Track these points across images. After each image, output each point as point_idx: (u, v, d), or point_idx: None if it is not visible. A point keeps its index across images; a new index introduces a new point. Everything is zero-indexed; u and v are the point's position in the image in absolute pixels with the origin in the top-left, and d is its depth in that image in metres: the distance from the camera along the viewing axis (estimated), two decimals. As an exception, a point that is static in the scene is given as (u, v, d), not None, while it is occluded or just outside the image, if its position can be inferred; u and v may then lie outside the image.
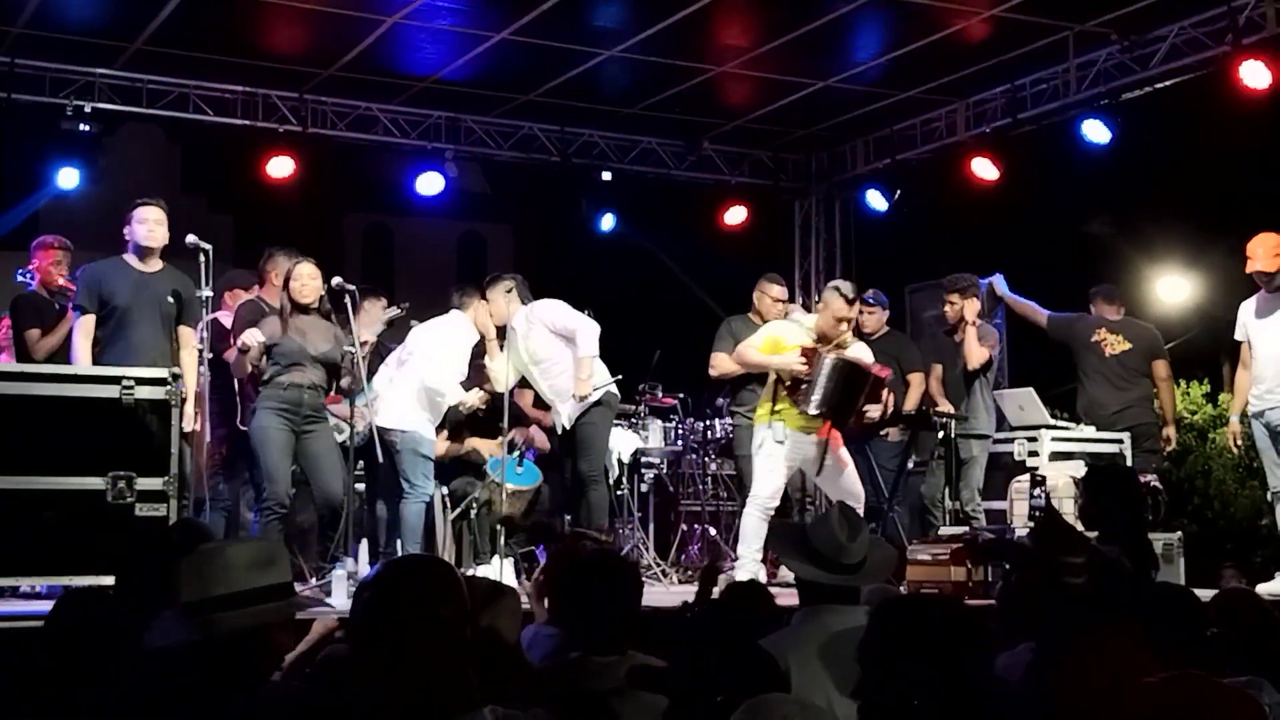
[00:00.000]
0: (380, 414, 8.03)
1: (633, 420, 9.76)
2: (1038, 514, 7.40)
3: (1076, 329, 9.25)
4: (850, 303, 7.58)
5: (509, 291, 8.31)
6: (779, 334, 7.72)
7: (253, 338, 7.09)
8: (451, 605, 2.69)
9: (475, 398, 8.34)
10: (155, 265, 7.15)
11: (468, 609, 2.70)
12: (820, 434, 7.51)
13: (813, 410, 7.35)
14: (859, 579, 3.89)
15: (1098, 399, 9.11)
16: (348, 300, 7.34)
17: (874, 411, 7.52)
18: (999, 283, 9.59)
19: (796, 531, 4.03)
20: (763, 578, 7.29)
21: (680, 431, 10.02)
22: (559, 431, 8.41)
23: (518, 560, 8.38)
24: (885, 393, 7.57)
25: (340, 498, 7.18)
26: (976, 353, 8.79)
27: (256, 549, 3.18)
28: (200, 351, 7.19)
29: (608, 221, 11.63)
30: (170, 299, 7.09)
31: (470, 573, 8.17)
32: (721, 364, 8.65)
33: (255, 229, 10.74)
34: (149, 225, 7.10)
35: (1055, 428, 8.96)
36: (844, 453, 7.65)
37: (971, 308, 8.82)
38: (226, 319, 8.11)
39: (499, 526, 8.14)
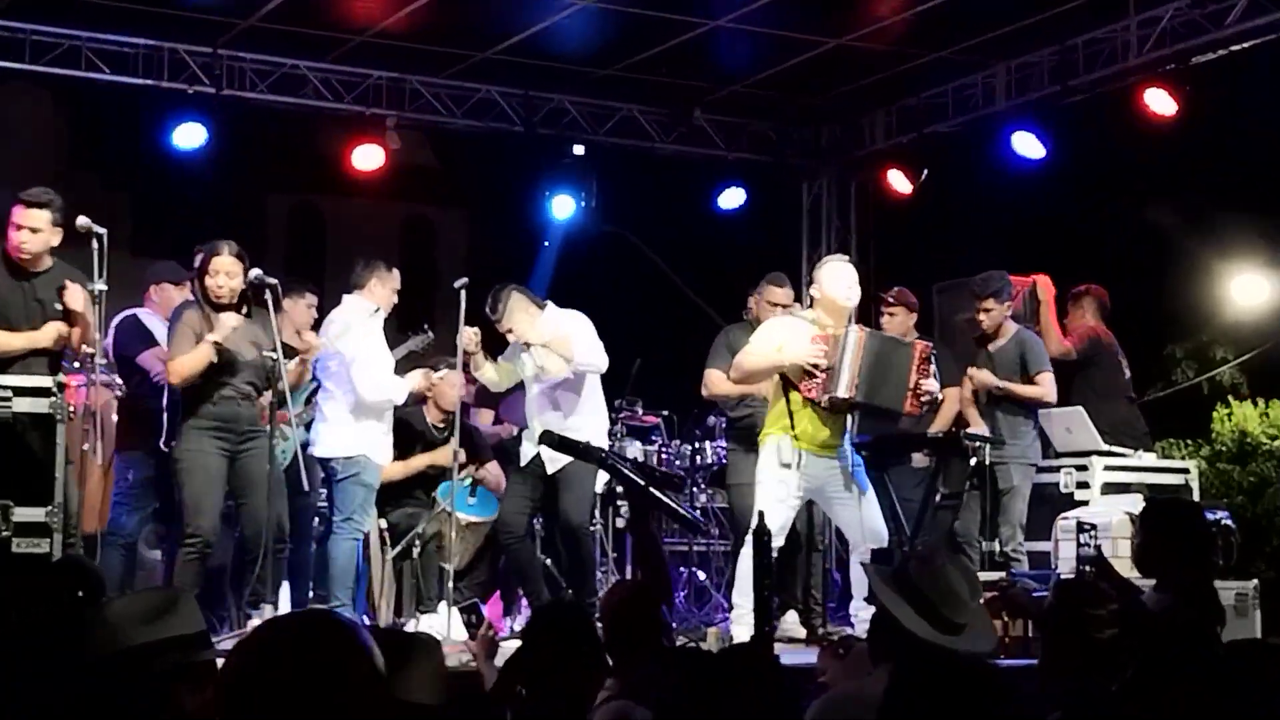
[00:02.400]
0: (316, 443, 8.06)
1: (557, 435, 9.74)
2: (1086, 566, 7.42)
3: (1103, 343, 9.52)
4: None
5: (524, 309, 8.23)
6: (782, 333, 7.73)
7: (225, 327, 7.11)
8: (351, 676, 2.38)
9: (420, 378, 8.36)
10: (43, 264, 7.12)
11: (376, 679, 2.47)
12: (833, 451, 7.50)
13: (842, 392, 7.34)
14: (964, 643, 3.85)
15: (1128, 416, 9.41)
16: (268, 297, 7.36)
17: (930, 384, 7.55)
18: (1044, 286, 9.66)
19: (900, 572, 3.99)
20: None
21: (664, 456, 10.03)
22: (529, 464, 8.37)
23: (470, 613, 8.39)
24: (931, 368, 7.62)
25: (273, 529, 7.23)
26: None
27: (150, 598, 3.19)
28: (92, 357, 7.18)
29: (574, 205, 11.61)
30: (58, 305, 7.09)
31: (412, 625, 8.21)
32: (717, 384, 8.65)
33: (157, 210, 10.77)
34: (23, 234, 7.00)
35: (1109, 454, 9.01)
36: (863, 478, 7.66)
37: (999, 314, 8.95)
38: (149, 318, 8.12)
39: (447, 567, 8.14)
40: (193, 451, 7.16)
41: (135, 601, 3.17)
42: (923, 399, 7.48)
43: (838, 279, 7.70)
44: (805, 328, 7.63)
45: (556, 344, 8.13)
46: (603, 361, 8.27)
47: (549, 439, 7.22)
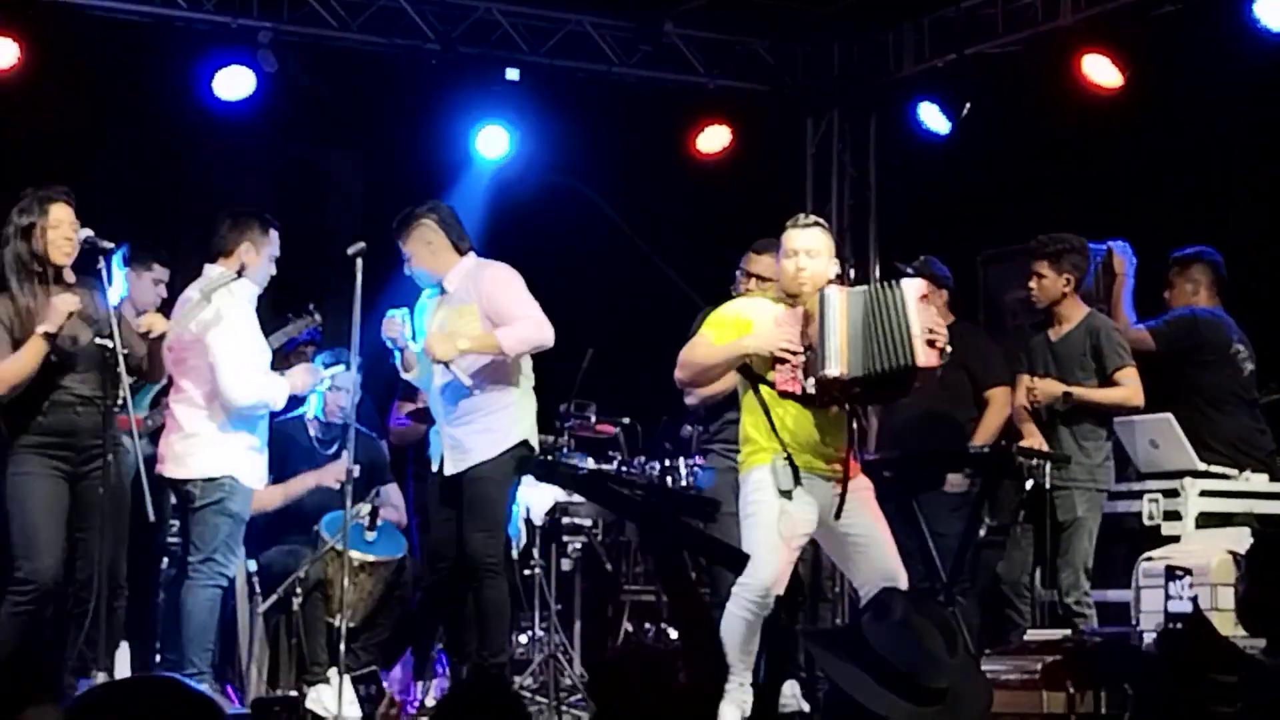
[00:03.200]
0: (167, 460, 8.04)
1: (548, 459, 9.76)
2: (1178, 624, 7.45)
3: (1203, 328, 9.38)
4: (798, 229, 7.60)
5: (430, 240, 8.39)
6: (745, 312, 7.71)
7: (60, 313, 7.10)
8: None
9: (303, 375, 8.42)
10: None
11: None
12: (837, 467, 7.49)
13: (833, 369, 7.29)
14: (950, 714, 3.87)
15: (1249, 427, 9.31)
16: (102, 265, 7.32)
17: (939, 321, 7.49)
18: (1122, 252, 9.68)
19: (849, 638, 3.99)
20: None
21: (624, 477, 10.03)
22: (435, 477, 8.41)
23: (368, 684, 8.39)
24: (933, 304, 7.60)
25: (104, 571, 7.23)
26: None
27: None
28: None
29: (505, 144, 11.58)
30: None
31: (309, 701, 8.19)
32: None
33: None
34: None
35: (1206, 475, 9.04)
36: (875, 507, 7.65)
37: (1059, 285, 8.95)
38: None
39: (336, 623, 8.13)
40: (22, 476, 7.17)
41: None
42: (939, 343, 7.41)
43: (791, 247, 7.62)
44: (772, 308, 7.61)
45: (476, 340, 8.23)
46: (547, 336, 8.32)
47: (534, 469, 7.27)
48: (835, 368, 7.29)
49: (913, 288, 7.43)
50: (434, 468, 8.45)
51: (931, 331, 7.33)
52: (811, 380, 7.35)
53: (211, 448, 8.09)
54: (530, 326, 8.32)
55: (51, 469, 7.21)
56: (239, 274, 8.12)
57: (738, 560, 6.31)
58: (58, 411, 7.23)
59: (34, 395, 7.21)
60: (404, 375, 8.55)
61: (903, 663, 3.83)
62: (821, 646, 4.04)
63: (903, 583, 7.55)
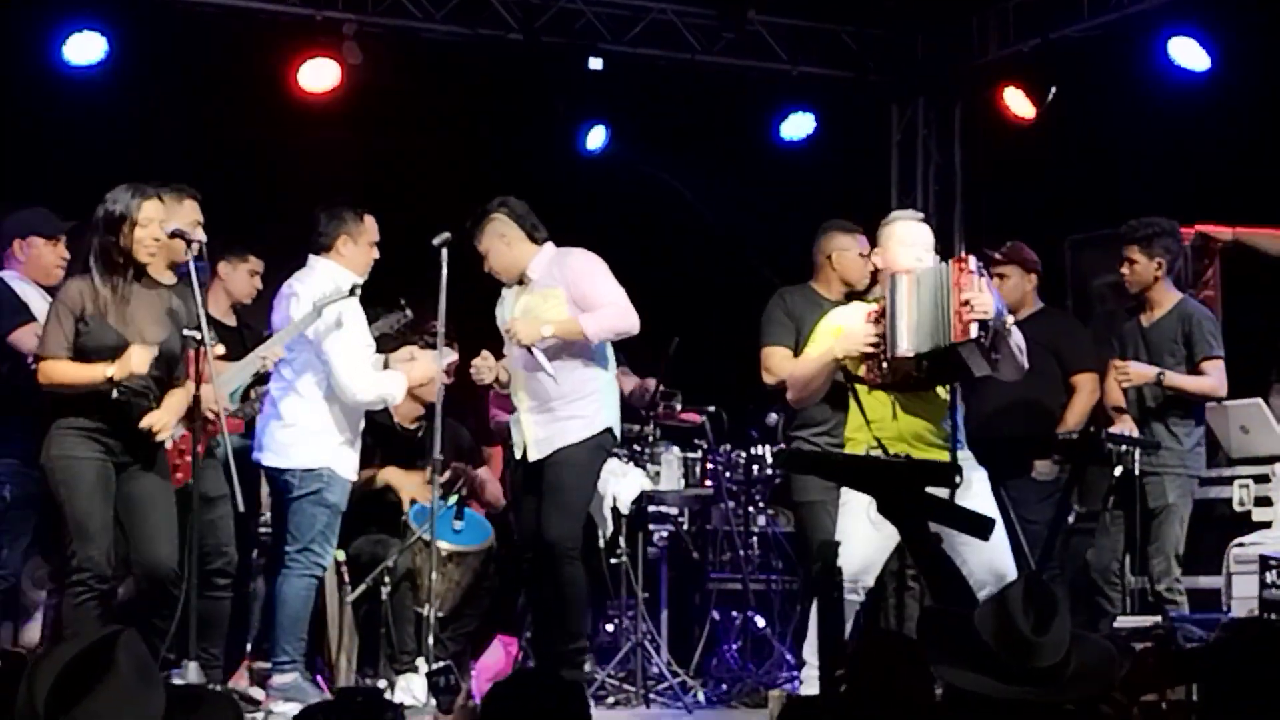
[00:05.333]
0: (266, 449, 8.09)
1: (636, 449, 9.76)
2: (1272, 615, 7.39)
3: None
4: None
5: (503, 233, 8.43)
6: (837, 319, 7.77)
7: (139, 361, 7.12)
8: None
9: (423, 366, 8.44)
10: None
11: None
12: (941, 456, 7.44)
13: (903, 347, 7.29)
14: (1055, 692, 3.85)
15: None
16: (190, 258, 7.34)
17: (978, 296, 7.31)
18: (1217, 233, 9.63)
19: (950, 621, 4.00)
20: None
21: (711, 466, 10.02)
22: (517, 464, 8.43)
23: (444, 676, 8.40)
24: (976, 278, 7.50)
25: (169, 568, 7.23)
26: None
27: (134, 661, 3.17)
28: None
29: (598, 136, 11.60)
30: None
31: (397, 689, 8.22)
32: (780, 364, 8.62)
33: (32, 143, 10.69)
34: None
35: (1300, 460, 8.98)
36: (988, 500, 7.58)
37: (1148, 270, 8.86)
38: (17, 283, 8.17)
39: (424, 612, 8.15)
40: (68, 460, 7.16)
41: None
42: (970, 319, 7.33)
43: (904, 244, 7.62)
44: (863, 307, 7.63)
45: (560, 325, 8.24)
46: (632, 323, 8.33)
47: (790, 460, 7.27)
48: (905, 346, 7.31)
49: (954, 266, 7.40)
50: (518, 455, 8.44)
51: (966, 305, 7.28)
52: (886, 363, 7.36)
53: (312, 439, 8.16)
54: (615, 313, 8.31)
55: (98, 453, 7.17)
56: (351, 291, 8.17)
57: (982, 526, 6.34)
58: (107, 399, 7.16)
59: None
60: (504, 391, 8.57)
61: (986, 634, 3.83)
62: (920, 623, 4.04)
63: (1009, 574, 7.51)
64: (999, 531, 7.55)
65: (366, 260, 8.41)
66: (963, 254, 7.61)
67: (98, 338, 7.15)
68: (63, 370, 7.17)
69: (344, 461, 8.22)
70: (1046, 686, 3.82)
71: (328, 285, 8.17)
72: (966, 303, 7.25)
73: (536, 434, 8.33)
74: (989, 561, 7.44)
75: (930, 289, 7.35)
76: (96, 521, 7.16)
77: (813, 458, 7.76)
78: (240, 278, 8.76)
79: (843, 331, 7.56)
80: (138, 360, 7.09)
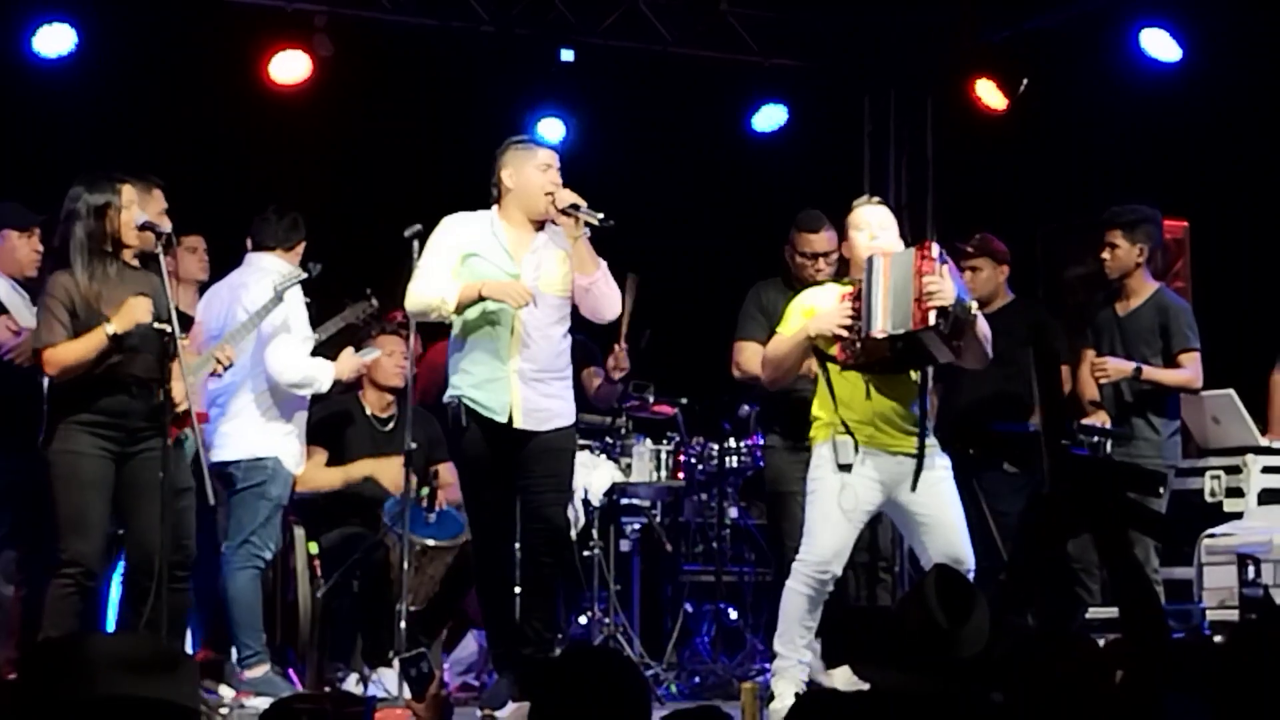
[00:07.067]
0: (217, 446, 8.11)
1: (607, 441, 9.75)
2: (1251, 614, 7.40)
3: None
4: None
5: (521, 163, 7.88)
6: (810, 299, 7.77)
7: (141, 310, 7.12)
8: None
9: (350, 361, 8.45)
10: None
11: None
12: (908, 442, 7.46)
13: (877, 328, 7.29)
14: (981, 683, 3.85)
15: None
16: (159, 249, 7.33)
17: (935, 282, 7.29)
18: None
19: (871, 618, 4.02)
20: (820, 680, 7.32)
21: (682, 459, 10.02)
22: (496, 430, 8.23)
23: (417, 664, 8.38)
24: (938, 265, 7.49)
25: (164, 555, 7.21)
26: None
27: (141, 644, 3.17)
28: None
29: (559, 128, 11.56)
30: None
31: (352, 682, 8.20)
32: (751, 359, 8.59)
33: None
34: None
35: (1269, 451, 8.98)
36: (950, 488, 7.63)
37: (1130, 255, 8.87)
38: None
39: (399, 607, 8.14)
40: (70, 455, 7.17)
41: (122, 644, 3.15)
42: (929, 306, 7.34)
43: (855, 228, 7.69)
44: (837, 289, 7.66)
45: (578, 249, 7.76)
46: (615, 303, 8.05)
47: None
48: (879, 327, 7.31)
49: (915, 253, 7.41)
50: (501, 419, 7.70)
51: (925, 293, 7.29)
52: (858, 342, 7.38)
53: (254, 429, 8.24)
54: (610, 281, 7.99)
55: (99, 448, 7.20)
56: (305, 269, 8.24)
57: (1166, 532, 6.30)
58: (111, 392, 7.21)
59: (88, 374, 7.20)
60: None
61: (904, 627, 3.85)
62: (840, 623, 4.06)
63: (968, 561, 7.55)
64: (959, 518, 7.62)
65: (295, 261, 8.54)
66: (926, 241, 7.64)
67: (91, 326, 7.18)
68: (65, 351, 7.16)
69: (288, 452, 8.28)
70: (970, 678, 3.83)
71: (275, 276, 8.25)
72: (927, 290, 7.27)
73: (530, 402, 7.69)
74: (946, 549, 7.48)
75: (903, 272, 7.37)
76: (91, 518, 7.19)
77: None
78: (192, 262, 8.87)
79: (815, 311, 7.59)
80: (139, 309, 7.12)
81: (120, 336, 7.11)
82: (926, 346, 7.41)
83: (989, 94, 11.58)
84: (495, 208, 7.84)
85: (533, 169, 7.80)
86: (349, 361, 8.55)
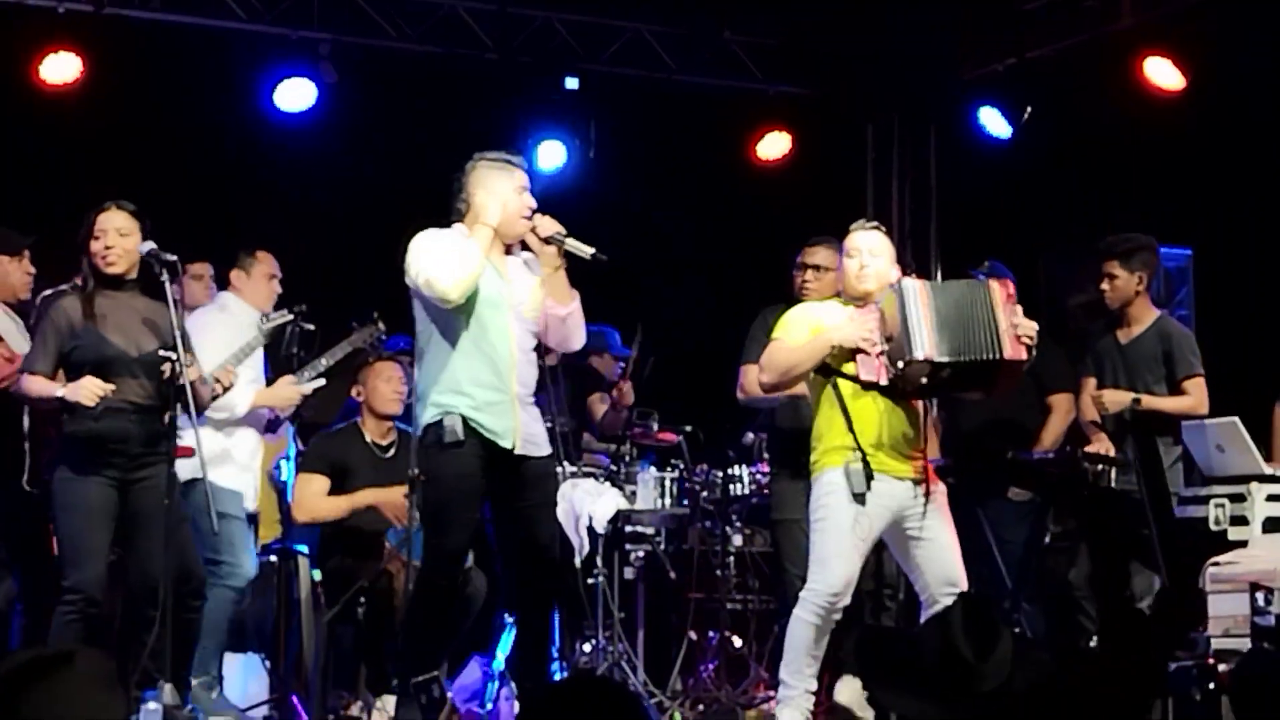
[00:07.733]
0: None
1: (612, 469, 9.75)
2: (1264, 644, 7.39)
3: None
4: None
5: (486, 183, 7.63)
6: (814, 313, 7.71)
7: (89, 391, 7.13)
8: None
9: (285, 391, 8.51)
10: None
11: None
12: (913, 467, 7.45)
13: (921, 352, 7.23)
14: (999, 714, 3.84)
15: None
16: (165, 276, 7.34)
17: (1026, 322, 7.42)
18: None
19: (894, 643, 4.00)
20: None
21: (687, 485, 10.01)
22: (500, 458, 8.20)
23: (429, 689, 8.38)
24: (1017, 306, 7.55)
25: (157, 586, 7.21)
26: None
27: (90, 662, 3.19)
28: None
29: (564, 154, 11.56)
30: None
31: (375, 711, 8.19)
32: (755, 385, 8.58)
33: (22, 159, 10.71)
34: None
35: (1275, 479, 8.96)
36: (946, 513, 7.62)
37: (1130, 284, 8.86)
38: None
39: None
40: (72, 485, 7.19)
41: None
42: (1024, 339, 7.40)
43: (845, 255, 7.63)
44: (842, 309, 7.63)
45: (557, 279, 7.61)
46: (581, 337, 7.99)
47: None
48: (922, 350, 7.28)
49: (998, 287, 7.45)
50: (506, 444, 7.48)
51: (1017, 328, 7.34)
52: (899, 364, 7.32)
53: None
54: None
55: (101, 475, 7.21)
56: (293, 314, 8.43)
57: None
58: (112, 418, 7.20)
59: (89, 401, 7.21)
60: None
61: (927, 658, 3.84)
62: (859, 648, 4.03)
63: (961, 588, 7.53)
64: (954, 541, 7.60)
65: (267, 293, 8.64)
66: (1006, 279, 7.69)
67: (93, 349, 7.22)
68: (32, 383, 7.27)
69: (233, 472, 8.38)
70: (990, 710, 3.82)
71: (241, 318, 8.48)
72: (1014, 322, 7.31)
73: (527, 426, 7.55)
74: (942, 572, 7.47)
75: (948, 299, 7.36)
76: (92, 546, 7.19)
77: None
78: (198, 290, 8.92)
79: (823, 325, 7.52)
80: (85, 393, 7.12)
81: (69, 402, 7.15)
82: (999, 379, 7.48)
83: (992, 122, 11.61)
84: (460, 225, 7.55)
85: (511, 191, 7.55)
86: (284, 391, 8.51)
